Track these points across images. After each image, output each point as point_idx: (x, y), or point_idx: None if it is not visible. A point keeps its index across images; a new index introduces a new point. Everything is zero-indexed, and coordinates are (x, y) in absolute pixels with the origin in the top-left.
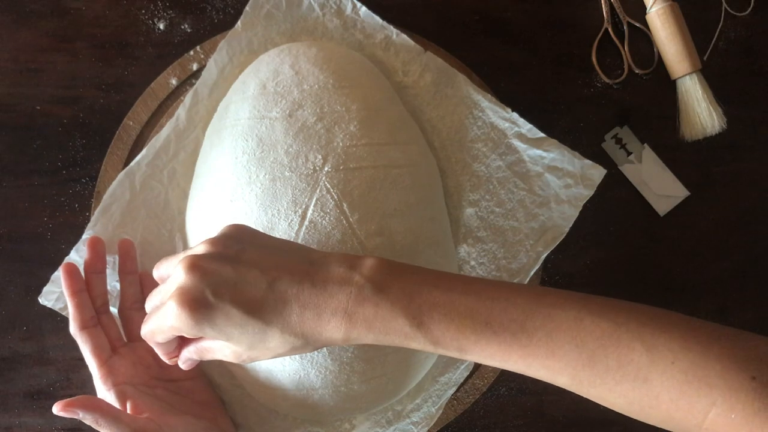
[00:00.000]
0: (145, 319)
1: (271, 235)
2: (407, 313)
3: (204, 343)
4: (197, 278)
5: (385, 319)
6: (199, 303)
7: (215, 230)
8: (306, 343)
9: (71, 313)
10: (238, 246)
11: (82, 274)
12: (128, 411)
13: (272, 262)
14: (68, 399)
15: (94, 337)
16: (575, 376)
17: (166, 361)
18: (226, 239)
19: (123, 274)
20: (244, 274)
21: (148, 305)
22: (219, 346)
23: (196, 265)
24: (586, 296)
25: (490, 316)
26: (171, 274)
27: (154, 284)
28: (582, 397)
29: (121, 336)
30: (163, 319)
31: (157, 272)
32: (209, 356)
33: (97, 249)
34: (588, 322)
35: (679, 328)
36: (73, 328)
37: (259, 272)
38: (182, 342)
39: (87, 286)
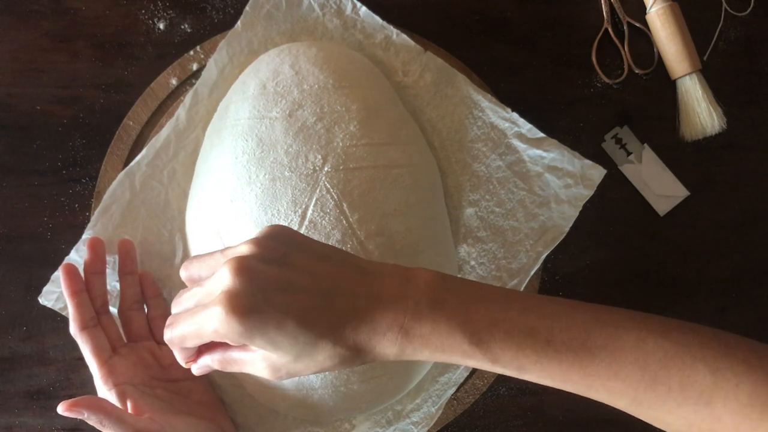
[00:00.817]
0: (173, 321)
1: None
2: (465, 330)
3: (236, 354)
4: (247, 282)
5: (442, 335)
6: (250, 309)
7: (215, 230)
8: (356, 357)
9: (71, 314)
10: (283, 248)
11: (82, 274)
12: (129, 411)
13: (323, 269)
14: (73, 399)
15: (94, 337)
16: (636, 398)
17: (182, 365)
18: (271, 241)
19: (123, 274)
20: (294, 280)
21: (179, 307)
22: (253, 359)
23: (245, 267)
24: (645, 315)
25: (551, 335)
26: (207, 276)
27: (154, 284)
28: (582, 396)
29: (121, 336)
30: (204, 323)
31: (187, 272)
32: (235, 368)
33: (97, 249)
34: (650, 342)
35: (742, 350)
36: (73, 329)
37: (311, 279)
38: (203, 347)
39: (87, 287)
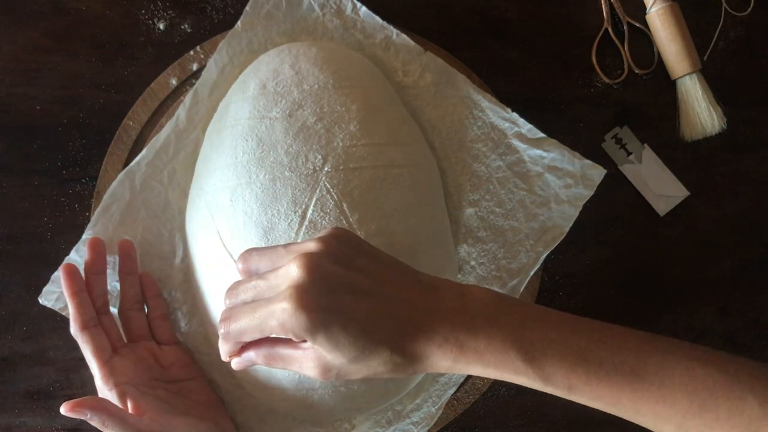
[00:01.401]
0: (230, 315)
1: (271, 233)
2: (519, 348)
3: (284, 350)
4: (317, 279)
5: (496, 351)
6: (319, 306)
7: (215, 230)
8: (409, 366)
9: (72, 314)
10: (349, 251)
11: (82, 274)
12: (129, 411)
13: (385, 276)
14: (76, 400)
15: (94, 337)
16: (682, 425)
17: (223, 358)
18: (337, 241)
19: (123, 274)
20: (361, 284)
21: (234, 299)
22: (303, 357)
23: (316, 265)
24: (693, 344)
25: (602, 357)
26: (266, 269)
27: (154, 285)
28: None
29: (121, 336)
30: (268, 317)
31: (245, 264)
32: (280, 365)
33: (98, 249)
34: (700, 370)
35: None
36: (74, 329)
37: (376, 285)
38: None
39: (87, 287)
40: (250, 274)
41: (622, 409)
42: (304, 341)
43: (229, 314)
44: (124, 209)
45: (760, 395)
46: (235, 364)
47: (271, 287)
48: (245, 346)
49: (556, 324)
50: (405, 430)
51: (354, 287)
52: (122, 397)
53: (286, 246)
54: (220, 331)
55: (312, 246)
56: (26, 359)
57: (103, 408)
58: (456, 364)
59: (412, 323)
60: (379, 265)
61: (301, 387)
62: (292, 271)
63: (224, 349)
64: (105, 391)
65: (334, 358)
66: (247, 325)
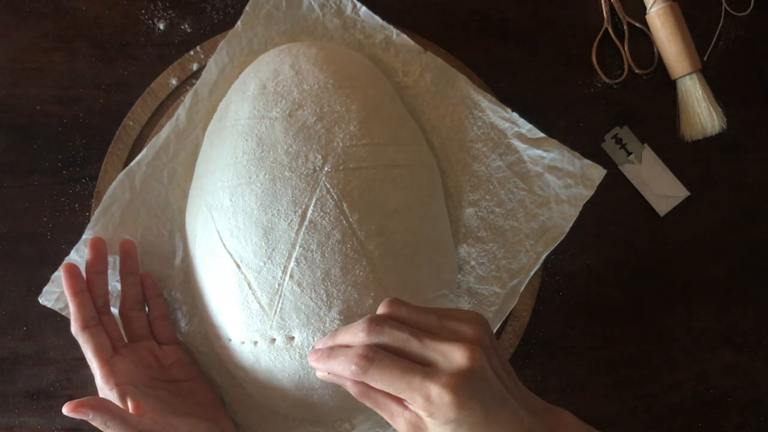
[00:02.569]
0: (372, 356)
1: (271, 233)
2: None
3: (390, 403)
4: (477, 379)
5: None
6: (471, 410)
7: (215, 230)
8: None
9: (72, 313)
10: (492, 348)
11: (83, 274)
12: (130, 411)
13: (509, 384)
14: (78, 400)
15: (95, 336)
16: None
17: (315, 364)
18: (488, 336)
19: (124, 274)
20: (501, 392)
21: (378, 337)
22: (402, 417)
23: (481, 365)
24: None
25: None
26: (419, 326)
27: (155, 285)
28: (582, 397)
29: (122, 336)
30: (417, 390)
31: (393, 311)
32: (374, 407)
33: (99, 249)
34: None
35: None
36: (75, 328)
37: (507, 394)
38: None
39: (88, 286)
40: (396, 319)
41: None
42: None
43: (373, 356)
44: (124, 209)
45: None
46: (322, 375)
47: (426, 358)
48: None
49: None
50: None
51: (503, 402)
52: (123, 397)
53: (442, 314)
54: (355, 360)
55: (471, 332)
56: (26, 359)
57: (105, 408)
58: None
59: None
60: (506, 368)
61: (301, 387)
62: (458, 358)
63: (330, 366)
64: (106, 390)
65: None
66: (388, 380)
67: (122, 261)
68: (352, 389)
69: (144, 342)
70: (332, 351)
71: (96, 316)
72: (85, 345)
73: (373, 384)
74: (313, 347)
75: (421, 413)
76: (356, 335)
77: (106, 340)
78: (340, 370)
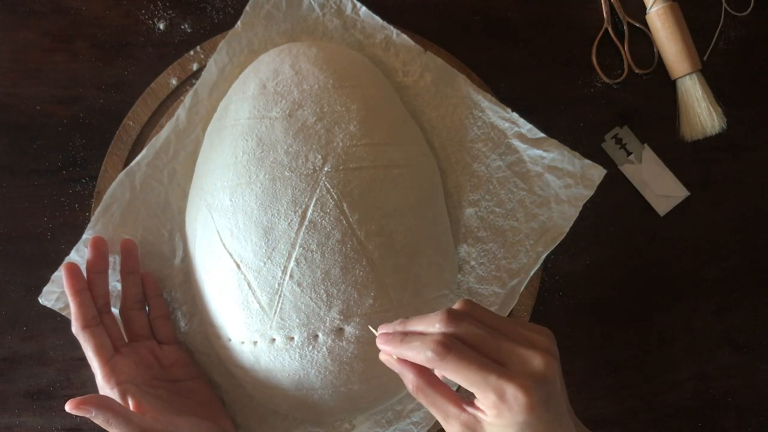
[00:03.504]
0: (450, 342)
1: (271, 233)
2: None
3: (447, 403)
4: (551, 387)
5: None
6: (539, 417)
7: (215, 230)
8: None
9: (73, 312)
10: (559, 367)
11: (83, 273)
12: (131, 410)
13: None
14: (81, 397)
15: (96, 336)
16: None
17: (386, 345)
18: (554, 347)
19: (125, 273)
20: (564, 416)
21: (455, 328)
22: (459, 418)
23: (555, 372)
24: None
25: None
26: (492, 325)
27: (155, 284)
28: (582, 397)
29: (122, 336)
30: (492, 388)
31: (466, 308)
32: (427, 405)
33: (100, 249)
34: None
35: None
36: (75, 328)
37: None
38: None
39: (89, 286)
40: (473, 317)
41: None
42: (475, 407)
43: (451, 344)
44: (124, 209)
45: None
46: (384, 357)
47: (502, 359)
48: (408, 363)
49: None
50: (405, 430)
51: (562, 412)
52: (124, 395)
53: (516, 322)
54: (433, 345)
55: (546, 342)
56: (26, 359)
57: (108, 406)
58: None
59: None
60: (564, 389)
61: (301, 387)
62: (536, 363)
63: (403, 350)
64: (106, 389)
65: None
66: (465, 371)
67: (123, 260)
68: (411, 382)
69: (144, 342)
70: (406, 336)
71: (97, 316)
72: (86, 344)
73: (446, 372)
74: (377, 330)
75: (489, 412)
76: (432, 325)
77: (106, 340)
78: (413, 355)
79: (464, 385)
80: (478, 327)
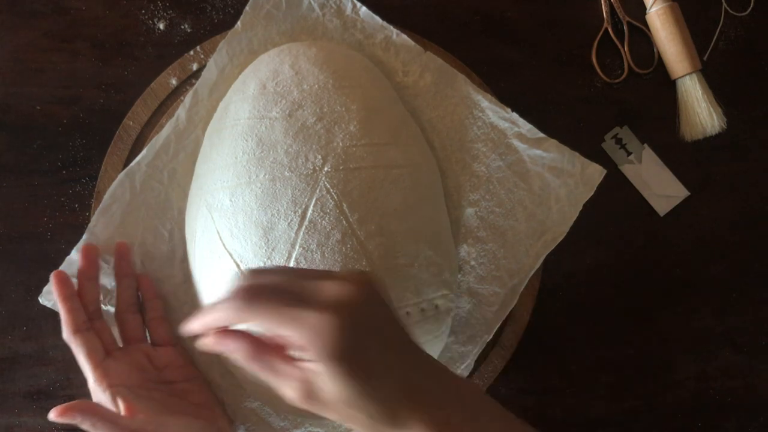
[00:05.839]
0: (250, 290)
1: (271, 233)
2: None
3: (279, 362)
4: (366, 307)
5: None
6: (358, 336)
7: (215, 230)
8: (386, 430)
9: (63, 318)
10: (373, 322)
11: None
12: (122, 412)
13: (408, 348)
14: (65, 404)
15: (87, 341)
16: None
17: (192, 327)
18: (369, 298)
19: (119, 277)
20: (393, 341)
21: (259, 279)
22: (293, 375)
23: (368, 293)
24: None
25: None
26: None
27: (152, 286)
28: (582, 397)
29: (114, 340)
30: (300, 319)
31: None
32: (260, 372)
33: (91, 256)
34: None
35: None
36: (66, 333)
37: (384, 370)
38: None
39: (79, 293)
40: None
41: None
42: (301, 360)
43: (250, 290)
44: (124, 209)
45: None
46: (204, 344)
47: (309, 291)
48: (225, 333)
49: None
50: None
51: (387, 341)
52: (115, 398)
53: (322, 273)
54: (228, 298)
55: (346, 274)
56: (26, 359)
57: (93, 411)
58: None
59: (410, 400)
60: (392, 354)
61: None
62: (346, 288)
63: (207, 320)
64: (98, 393)
65: (329, 391)
66: (268, 312)
67: (117, 264)
68: (243, 350)
69: (138, 344)
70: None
71: (87, 321)
72: (77, 349)
73: (257, 317)
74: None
75: (309, 353)
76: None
77: (97, 344)
78: (222, 316)
79: (277, 329)
80: (278, 276)
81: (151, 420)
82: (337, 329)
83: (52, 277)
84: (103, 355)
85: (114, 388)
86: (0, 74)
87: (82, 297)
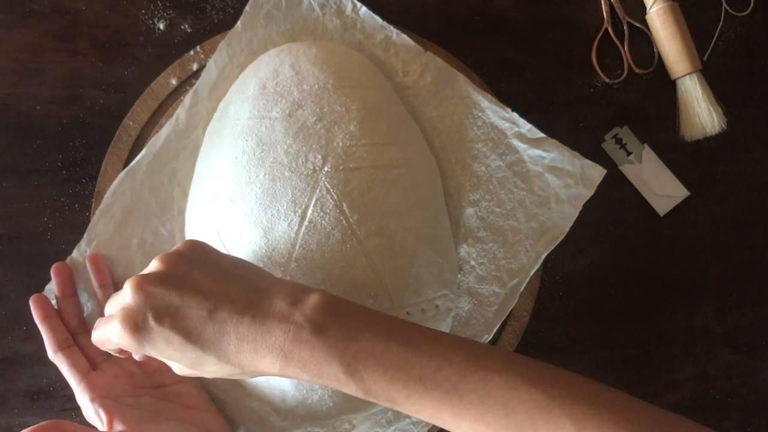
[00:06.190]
0: (95, 324)
1: (271, 233)
2: (342, 360)
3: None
4: (141, 301)
5: (319, 362)
6: (139, 326)
7: (215, 230)
8: (243, 373)
9: (45, 339)
10: (186, 266)
11: (80, 274)
12: (103, 423)
13: (217, 288)
14: (33, 427)
15: (69, 357)
16: None
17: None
18: (178, 258)
19: (99, 288)
20: (187, 299)
21: (106, 311)
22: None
23: (141, 287)
24: (525, 361)
25: (423, 372)
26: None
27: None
28: None
29: (101, 352)
30: (108, 333)
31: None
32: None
33: (64, 275)
34: (522, 390)
35: (615, 411)
36: (49, 353)
37: (202, 298)
38: None
39: (59, 311)
40: None
41: (444, 423)
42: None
43: (95, 325)
44: (124, 209)
45: (579, 421)
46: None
47: (114, 305)
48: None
49: (385, 335)
50: (405, 430)
51: (181, 304)
52: (97, 410)
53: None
54: (93, 339)
55: (151, 266)
56: (26, 359)
57: (62, 430)
58: (284, 372)
59: (236, 333)
60: (217, 278)
61: (301, 387)
62: (125, 294)
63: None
64: (86, 404)
65: (177, 365)
66: (100, 337)
67: (93, 276)
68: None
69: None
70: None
71: (69, 338)
72: (61, 365)
73: (106, 347)
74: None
75: (126, 349)
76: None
77: (80, 359)
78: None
79: (113, 347)
80: (113, 296)
81: (132, 430)
82: (125, 331)
83: (31, 301)
84: (87, 369)
85: (97, 400)
86: (0, 74)
87: (62, 315)
